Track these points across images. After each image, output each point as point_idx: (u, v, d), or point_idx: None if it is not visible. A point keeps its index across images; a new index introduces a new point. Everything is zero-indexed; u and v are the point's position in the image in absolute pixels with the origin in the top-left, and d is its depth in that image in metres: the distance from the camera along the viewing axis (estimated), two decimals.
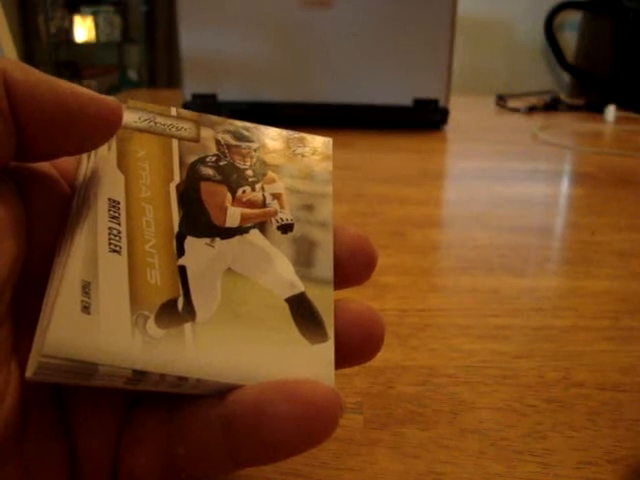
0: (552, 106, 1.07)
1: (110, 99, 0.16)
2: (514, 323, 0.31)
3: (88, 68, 3.12)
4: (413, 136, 0.82)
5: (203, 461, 0.15)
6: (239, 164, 0.20)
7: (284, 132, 0.22)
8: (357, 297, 0.18)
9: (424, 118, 0.86)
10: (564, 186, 0.58)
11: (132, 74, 3.28)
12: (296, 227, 0.19)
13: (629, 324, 0.31)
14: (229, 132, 0.20)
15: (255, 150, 0.20)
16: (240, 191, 0.19)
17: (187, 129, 0.20)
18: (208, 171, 0.19)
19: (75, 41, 3.11)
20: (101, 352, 0.14)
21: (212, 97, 0.85)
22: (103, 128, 0.16)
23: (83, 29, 3.09)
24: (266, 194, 0.19)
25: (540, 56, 2.69)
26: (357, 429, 0.22)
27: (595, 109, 1.05)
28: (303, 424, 0.14)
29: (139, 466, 0.16)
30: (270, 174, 0.20)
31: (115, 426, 0.16)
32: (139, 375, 0.14)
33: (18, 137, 0.15)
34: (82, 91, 0.16)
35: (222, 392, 0.15)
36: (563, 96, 1.20)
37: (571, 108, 1.08)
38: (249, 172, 0.20)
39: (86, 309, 0.14)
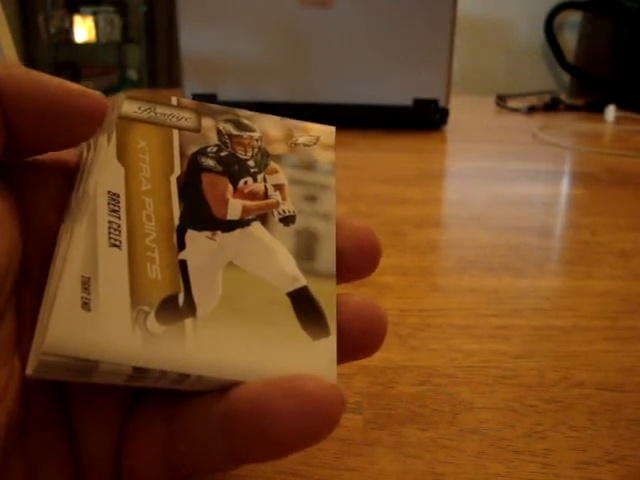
0: (552, 106, 1.07)
1: (96, 92, 0.16)
2: (514, 323, 0.31)
3: (88, 68, 3.12)
4: (413, 136, 0.81)
5: (204, 458, 0.15)
6: (241, 154, 0.19)
7: (286, 120, 0.21)
8: None
9: (424, 118, 0.86)
10: (564, 186, 0.58)
11: (132, 74, 3.28)
12: (298, 219, 0.19)
13: (629, 324, 0.31)
14: (230, 121, 0.20)
15: (257, 140, 0.20)
16: (242, 182, 0.19)
17: (188, 119, 0.19)
18: (209, 162, 0.19)
19: (75, 41, 3.11)
20: (101, 349, 0.14)
21: (212, 97, 0.85)
22: (90, 121, 0.16)
23: (83, 29, 3.09)
24: (268, 185, 0.19)
25: (540, 56, 2.69)
26: (357, 429, 0.22)
27: (595, 109, 1.05)
28: (305, 420, 0.14)
29: (141, 462, 0.16)
30: (272, 165, 0.20)
31: (117, 422, 0.16)
32: (140, 372, 0.14)
33: (7, 133, 0.15)
34: (69, 85, 0.16)
35: (223, 388, 0.15)
36: (563, 96, 1.20)
37: (571, 108, 1.08)
38: (251, 163, 0.19)
39: (86, 305, 0.14)
